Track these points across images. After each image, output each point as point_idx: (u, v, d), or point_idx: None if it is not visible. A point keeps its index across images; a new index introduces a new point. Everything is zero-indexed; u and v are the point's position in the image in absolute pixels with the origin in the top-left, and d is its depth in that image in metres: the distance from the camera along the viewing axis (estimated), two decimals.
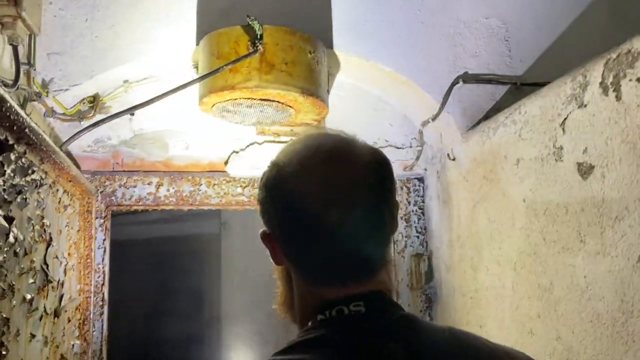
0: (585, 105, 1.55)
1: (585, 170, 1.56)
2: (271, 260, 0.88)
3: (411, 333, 0.79)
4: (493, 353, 0.83)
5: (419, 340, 0.78)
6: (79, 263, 2.11)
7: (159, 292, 4.86)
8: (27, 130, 1.25)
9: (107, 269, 2.41)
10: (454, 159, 2.44)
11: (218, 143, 2.56)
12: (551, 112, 1.72)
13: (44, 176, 1.53)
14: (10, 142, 1.19)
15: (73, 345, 1.99)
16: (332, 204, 0.76)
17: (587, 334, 1.55)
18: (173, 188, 2.51)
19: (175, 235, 4.95)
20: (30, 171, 1.38)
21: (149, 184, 2.48)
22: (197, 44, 2.25)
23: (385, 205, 0.82)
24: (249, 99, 2.13)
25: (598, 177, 1.50)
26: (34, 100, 2.05)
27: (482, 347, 0.83)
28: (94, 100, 2.33)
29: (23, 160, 1.32)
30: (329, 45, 2.35)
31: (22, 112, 1.19)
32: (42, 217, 1.53)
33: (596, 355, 1.52)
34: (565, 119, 1.65)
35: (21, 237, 1.32)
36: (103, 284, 2.39)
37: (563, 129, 1.66)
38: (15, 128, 1.19)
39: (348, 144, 0.84)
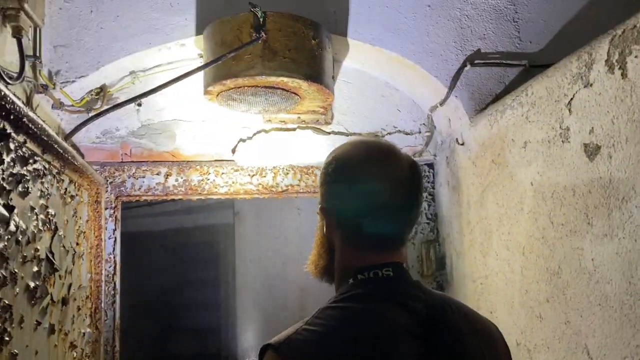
0: (591, 84, 1.51)
1: (591, 151, 1.52)
2: (319, 233, 1.11)
3: (424, 291, 1.05)
4: (479, 314, 1.12)
5: (430, 295, 1.05)
6: (88, 252, 2.14)
7: (175, 283, 4.91)
8: (25, 119, 1.26)
9: (118, 258, 2.43)
10: (462, 144, 2.41)
11: (225, 132, 2.57)
12: (557, 92, 1.68)
13: (47, 166, 1.55)
14: (8, 131, 1.20)
15: (84, 334, 2.02)
16: (390, 188, 1.00)
17: (596, 317, 1.53)
18: (181, 178, 2.52)
19: (190, 226, 4.99)
20: (31, 161, 1.40)
21: (157, 174, 2.50)
22: (202, 33, 2.25)
23: (420, 197, 1.06)
24: (253, 86, 2.13)
25: (605, 157, 1.47)
26: (40, 93, 2.07)
27: (469, 309, 1.10)
28: (101, 92, 2.35)
29: (23, 149, 1.33)
30: (334, 31, 2.33)
31: (18, 102, 1.20)
32: (47, 207, 1.55)
33: (604, 338, 1.49)
34: (571, 99, 1.61)
35: (23, 226, 1.34)
36: (114, 274, 2.41)
37: (569, 110, 1.62)
38: (12, 117, 1.20)
39: (391, 145, 1.10)
